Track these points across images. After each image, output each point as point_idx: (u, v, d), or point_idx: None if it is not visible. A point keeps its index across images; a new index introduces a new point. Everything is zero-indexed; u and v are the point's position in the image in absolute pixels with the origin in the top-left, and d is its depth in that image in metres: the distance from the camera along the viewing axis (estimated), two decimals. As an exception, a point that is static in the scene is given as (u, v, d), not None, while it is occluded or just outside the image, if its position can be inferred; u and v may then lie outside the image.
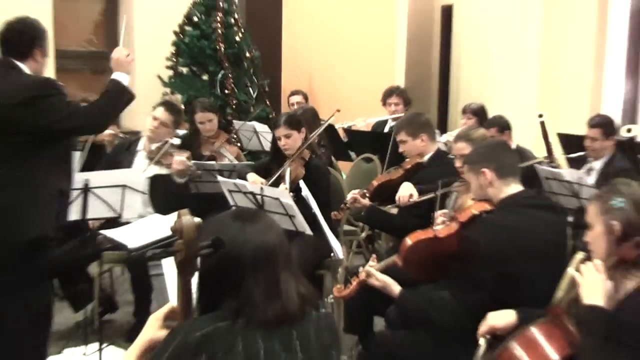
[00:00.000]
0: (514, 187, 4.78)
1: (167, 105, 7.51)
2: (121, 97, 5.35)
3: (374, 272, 4.86)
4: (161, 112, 7.33)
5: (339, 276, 6.10)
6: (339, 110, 7.95)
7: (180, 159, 6.98)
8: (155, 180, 6.83)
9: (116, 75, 5.31)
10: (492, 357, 3.95)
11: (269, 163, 7.12)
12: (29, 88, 4.91)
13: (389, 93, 9.96)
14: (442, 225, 5.16)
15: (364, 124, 9.92)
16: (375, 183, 6.95)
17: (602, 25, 10.66)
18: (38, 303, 5.05)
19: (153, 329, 3.11)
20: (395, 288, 4.81)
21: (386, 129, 9.52)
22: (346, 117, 9.52)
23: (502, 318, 4.21)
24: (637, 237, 3.60)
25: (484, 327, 4.20)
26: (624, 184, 3.80)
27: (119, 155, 7.40)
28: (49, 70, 5.14)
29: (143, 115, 7.52)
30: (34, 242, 4.86)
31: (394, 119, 9.40)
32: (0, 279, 4.91)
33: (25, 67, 5.01)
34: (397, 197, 6.35)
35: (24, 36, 5.05)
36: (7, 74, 4.99)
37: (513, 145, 7.60)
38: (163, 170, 7.04)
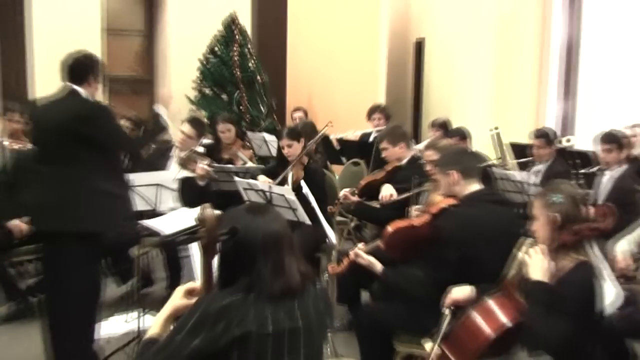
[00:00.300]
0: (475, 186, 4.81)
1: (192, 121, 7.61)
2: (158, 133, 5.50)
3: (361, 253, 4.88)
4: (187, 127, 7.45)
5: (332, 258, 6.08)
6: (331, 123, 7.96)
7: (202, 166, 7.03)
8: (183, 181, 6.83)
9: (160, 110, 5.38)
10: (455, 324, 3.94)
11: (276, 167, 7.11)
12: (87, 108, 4.96)
13: (373, 110, 9.98)
14: (417, 216, 5.20)
15: (353, 135, 9.92)
16: (362, 182, 7.07)
17: (542, 58, 10.67)
18: (92, 277, 5.09)
19: (177, 299, 3.15)
20: (378, 266, 4.84)
21: (371, 139, 9.52)
22: (338, 130, 9.51)
23: (462, 292, 4.22)
24: (573, 226, 3.61)
25: (448, 300, 4.20)
26: (561, 183, 3.89)
27: (155, 160, 7.45)
28: (100, 92, 5.19)
29: (174, 128, 7.53)
30: (83, 234, 4.88)
31: (377, 131, 9.40)
32: (62, 258, 4.93)
33: (82, 91, 5.04)
34: (380, 197, 6.38)
35: (80, 66, 5.08)
36: (68, 96, 5.03)
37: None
38: (189, 174, 7.05)
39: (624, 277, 5.37)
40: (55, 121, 4.97)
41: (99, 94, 5.30)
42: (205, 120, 10.08)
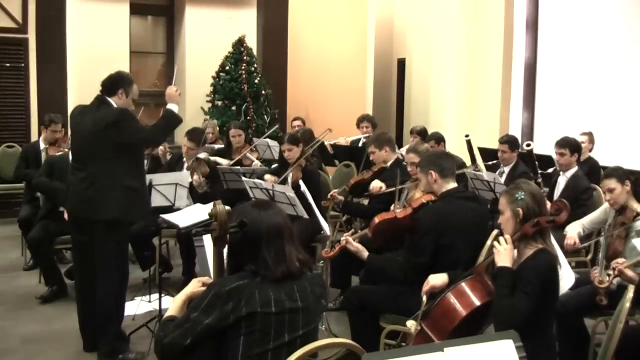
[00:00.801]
0: (451, 184, 4.79)
1: (188, 134, 7.48)
2: (173, 120, 5.41)
3: (351, 240, 4.86)
4: (185, 141, 7.39)
5: (327, 246, 6.08)
6: (330, 130, 8.02)
7: (195, 177, 7.04)
8: (190, 185, 6.82)
9: (169, 106, 5.38)
10: (433, 304, 3.93)
11: (279, 168, 7.11)
12: (112, 114, 5.00)
13: (362, 119, 9.96)
14: (399, 209, 5.21)
15: (344, 141, 9.92)
16: (352, 181, 7.05)
17: (507, 75, 10.67)
18: (120, 258, 5.20)
19: (193, 287, 3.16)
20: (365, 253, 4.83)
21: (360, 144, 9.52)
22: (332, 137, 9.51)
23: (438, 279, 4.20)
24: (534, 219, 3.61)
25: (426, 287, 4.19)
26: (523, 182, 3.88)
27: (174, 163, 7.46)
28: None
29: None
30: (109, 222, 5.00)
31: (365, 137, 9.40)
32: (94, 242, 5.07)
33: (112, 101, 5.11)
34: (370, 187, 6.39)
35: (112, 81, 5.18)
36: (100, 106, 5.11)
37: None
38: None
39: (575, 259, 5.42)
40: (88, 126, 5.06)
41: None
42: (217, 128, 10.08)
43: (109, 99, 5.11)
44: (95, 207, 4.99)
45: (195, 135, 7.45)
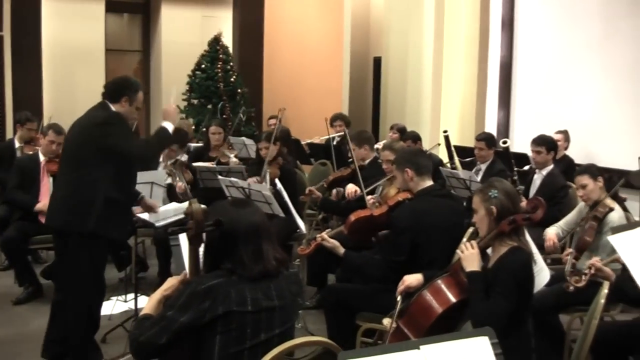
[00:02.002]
0: (427, 182, 4.81)
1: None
2: (166, 140, 5.25)
3: (327, 237, 4.85)
4: None
5: (303, 244, 6.09)
6: (285, 108, 7.87)
7: (180, 184, 6.87)
8: (169, 187, 6.74)
9: (165, 124, 5.15)
10: (409, 302, 3.94)
11: (255, 167, 7.07)
12: (101, 116, 4.80)
13: (335, 118, 9.93)
14: (373, 205, 5.30)
15: (318, 140, 9.91)
16: (331, 177, 7.17)
17: (483, 72, 10.73)
18: (94, 272, 4.91)
19: (169, 285, 3.15)
20: (341, 250, 4.81)
21: (334, 143, 9.53)
22: (308, 135, 9.52)
23: (413, 279, 4.20)
24: (510, 216, 3.63)
25: (401, 287, 4.18)
26: (497, 180, 3.89)
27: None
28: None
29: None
30: (84, 235, 4.73)
31: (338, 136, 9.41)
32: (69, 253, 4.83)
33: (113, 108, 4.87)
34: (346, 194, 6.38)
35: (117, 86, 4.95)
36: (97, 109, 4.90)
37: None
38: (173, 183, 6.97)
39: (550, 256, 5.48)
40: (75, 129, 4.90)
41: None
42: (192, 126, 10.05)
43: (110, 105, 4.86)
44: (70, 217, 4.75)
45: (180, 137, 7.38)
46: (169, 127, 5.12)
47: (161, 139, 5.19)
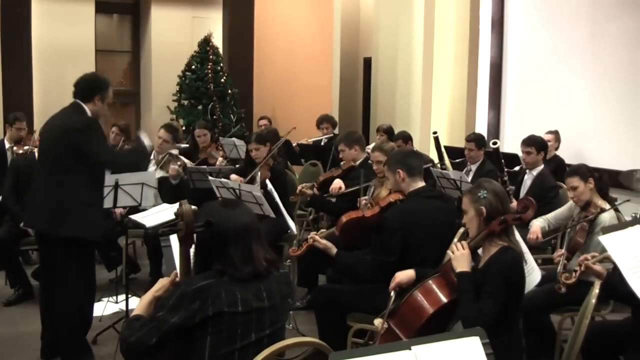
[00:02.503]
0: (419, 183, 4.81)
1: (167, 127, 7.51)
2: (141, 156, 5.47)
3: (318, 238, 4.86)
4: (162, 132, 7.36)
5: (294, 245, 6.08)
6: (295, 128, 8.01)
7: (174, 167, 7.02)
8: (161, 181, 6.76)
9: (144, 137, 5.26)
10: (400, 302, 3.94)
11: (245, 167, 7.08)
12: (79, 121, 4.83)
13: (321, 120, 9.97)
14: (365, 206, 5.29)
15: (307, 142, 9.92)
16: (321, 178, 7.07)
17: (473, 73, 10.72)
18: (84, 275, 5.00)
19: (159, 286, 3.14)
20: (333, 250, 4.83)
21: (322, 144, 9.55)
22: (297, 136, 9.51)
23: (405, 275, 4.21)
24: (501, 217, 3.63)
25: (393, 283, 4.19)
26: (486, 181, 3.89)
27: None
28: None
29: (156, 134, 7.46)
30: (68, 239, 4.80)
31: (326, 138, 9.43)
32: (52, 255, 4.90)
33: (87, 108, 4.92)
34: (330, 189, 6.41)
35: (89, 85, 4.97)
36: (72, 111, 4.94)
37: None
38: (165, 174, 7.03)
39: (541, 256, 5.49)
40: (54, 131, 4.92)
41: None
42: (182, 127, 10.03)
43: (84, 105, 4.91)
44: (54, 223, 4.81)
45: (173, 128, 7.50)
46: (147, 141, 5.29)
47: (137, 154, 5.44)
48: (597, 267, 4.14)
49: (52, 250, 4.89)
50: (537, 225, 5.62)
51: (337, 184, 6.40)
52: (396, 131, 9.20)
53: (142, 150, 5.31)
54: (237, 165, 7.66)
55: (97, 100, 4.95)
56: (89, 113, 4.92)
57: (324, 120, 9.94)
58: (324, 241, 4.85)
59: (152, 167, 7.18)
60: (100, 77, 5.16)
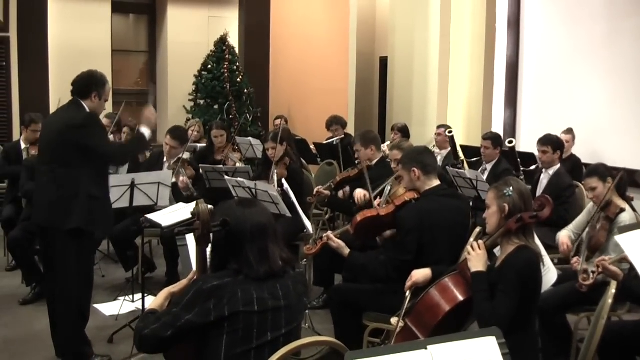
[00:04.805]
0: (434, 182, 4.79)
1: (171, 132, 7.32)
2: (141, 146, 5.52)
3: (332, 237, 4.85)
4: (168, 139, 7.20)
5: (310, 244, 6.08)
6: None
7: (183, 179, 6.93)
8: (174, 187, 6.73)
9: (143, 130, 5.30)
10: (417, 301, 3.94)
11: (262, 167, 7.08)
12: (79, 117, 4.91)
13: (331, 122, 9.93)
14: (380, 205, 5.27)
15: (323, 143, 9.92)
16: (338, 178, 7.11)
17: (489, 72, 10.69)
18: (84, 269, 5.08)
19: (178, 285, 3.19)
20: (346, 250, 4.81)
21: (334, 144, 9.54)
22: (313, 136, 9.52)
23: (421, 274, 4.22)
24: (517, 215, 3.62)
25: (409, 282, 4.20)
26: (513, 180, 3.88)
27: (153, 162, 7.30)
28: (109, 104, 5.13)
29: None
30: (71, 232, 4.87)
31: (337, 139, 9.41)
32: (56, 248, 4.96)
33: (85, 105, 5.00)
34: (356, 201, 6.30)
35: (85, 82, 5.04)
36: (70, 108, 5.03)
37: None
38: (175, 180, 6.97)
39: (557, 256, 5.46)
40: (54, 128, 5.00)
41: (108, 105, 5.22)
42: (202, 127, 10.01)
43: (82, 102, 4.99)
44: (57, 215, 4.88)
45: (179, 133, 7.32)
46: (147, 133, 5.30)
47: (137, 145, 5.49)
48: (614, 268, 4.13)
49: (52, 244, 4.97)
50: (565, 235, 5.57)
51: (361, 193, 6.32)
52: (411, 131, 9.20)
53: (140, 139, 5.33)
54: (255, 164, 7.63)
55: (94, 97, 5.02)
56: (87, 109, 5.00)
57: (333, 122, 9.92)
58: (337, 240, 4.84)
59: (166, 169, 7.12)
60: (97, 74, 5.18)
